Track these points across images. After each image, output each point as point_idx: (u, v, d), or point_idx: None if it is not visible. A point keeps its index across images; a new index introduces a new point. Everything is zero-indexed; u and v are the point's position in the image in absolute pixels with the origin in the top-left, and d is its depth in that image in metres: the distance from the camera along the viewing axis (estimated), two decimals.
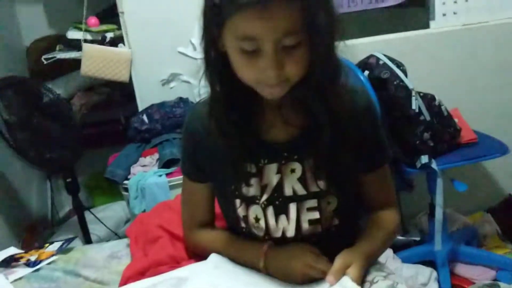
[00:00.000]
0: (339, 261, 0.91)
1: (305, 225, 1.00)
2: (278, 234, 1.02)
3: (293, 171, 0.99)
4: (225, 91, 0.94)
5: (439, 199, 1.87)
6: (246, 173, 0.99)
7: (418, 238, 2.21)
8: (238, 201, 1.02)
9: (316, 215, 0.99)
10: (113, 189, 2.45)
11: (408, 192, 1.98)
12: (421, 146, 1.84)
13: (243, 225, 1.05)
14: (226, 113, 0.95)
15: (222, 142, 0.97)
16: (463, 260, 2.05)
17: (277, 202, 1.00)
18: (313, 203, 0.99)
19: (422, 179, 1.96)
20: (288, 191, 0.99)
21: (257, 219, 1.02)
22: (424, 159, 1.81)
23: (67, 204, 2.67)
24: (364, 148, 1.00)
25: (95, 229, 2.30)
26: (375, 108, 1.05)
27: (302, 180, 0.99)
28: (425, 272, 1.95)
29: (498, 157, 1.88)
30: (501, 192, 2.46)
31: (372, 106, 1.04)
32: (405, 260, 1.95)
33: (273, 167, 0.99)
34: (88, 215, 2.27)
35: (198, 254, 1.13)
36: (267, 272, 1.00)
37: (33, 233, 2.42)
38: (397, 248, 2.03)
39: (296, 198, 0.99)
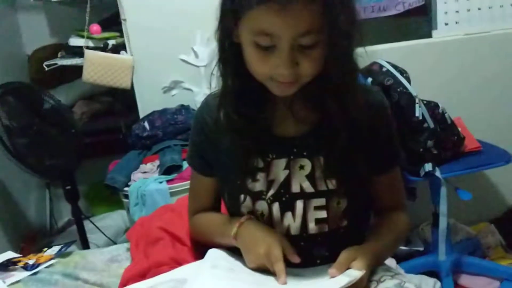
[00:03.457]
0: (343, 255, 0.88)
1: (311, 224, 0.98)
2: (282, 230, 0.99)
3: (302, 167, 0.97)
4: (237, 83, 0.92)
5: (443, 208, 1.85)
6: (253, 167, 0.97)
7: (421, 249, 2.19)
8: (243, 196, 1.00)
9: (323, 214, 0.97)
10: (113, 199, 2.43)
11: (411, 202, 1.97)
12: (424, 154, 1.82)
13: None
14: (237, 105, 0.94)
15: (231, 135, 0.96)
16: (467, 270, 2.02)
17: (283, 199, 0.98)
18: (321, 202, 0.96)
19: (425, 189, 1.94)
20: (295, 188, 0.97)
21: (262, 215, 0.99)
22: (428, 167, 1.79)
23: (66, 213, 2.64)
24: (377, 148, 0.99)
25: (94, 238, 2.27)
26: (389, 109, 1.03)
27: (310, 177, 0.96)
28: (429, 283, 1.92)
29: (502, 165, 1.87)
30: (505, 202, 2.44)
31: (387, 106, 1.02)
32: (408, 271, 1.92)
33: (281, 162, 0.97)
34: (87, 225, 2.24)
35: (197, 240, 1.13)
36: (235, 241, 0.97)
37: (32, 242, 2.39)
38: (400, 259, 2.00)
39: (303, 195, 0.97)
